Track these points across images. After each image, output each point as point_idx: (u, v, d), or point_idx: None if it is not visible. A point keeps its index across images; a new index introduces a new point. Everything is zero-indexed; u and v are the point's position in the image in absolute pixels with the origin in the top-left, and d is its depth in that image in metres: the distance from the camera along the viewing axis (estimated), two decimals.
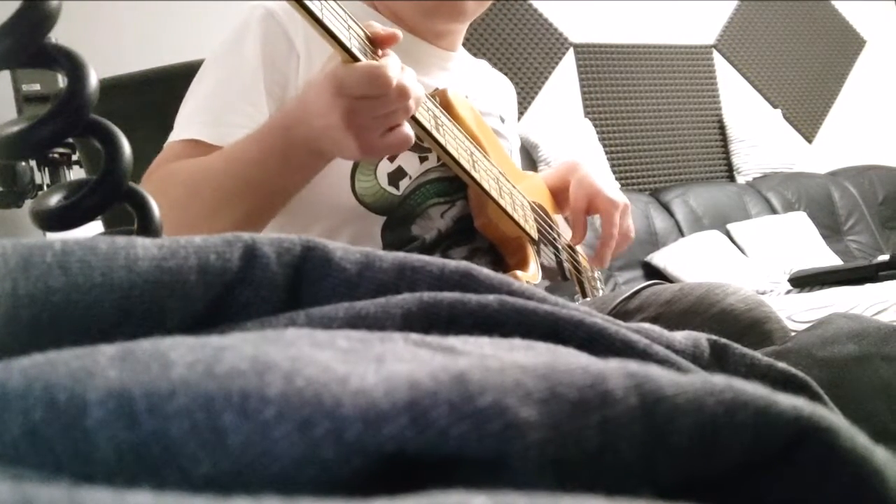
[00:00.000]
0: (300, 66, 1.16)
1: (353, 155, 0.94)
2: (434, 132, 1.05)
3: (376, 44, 0.93)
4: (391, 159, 1.18)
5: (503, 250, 1.26)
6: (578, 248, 1.46)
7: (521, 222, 1.23)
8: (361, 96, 0.89)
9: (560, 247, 1.39)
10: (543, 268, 1.29)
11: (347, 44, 0.87)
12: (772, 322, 1.04)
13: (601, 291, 1.52)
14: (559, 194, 1.48)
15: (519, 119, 4.15)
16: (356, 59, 0.88)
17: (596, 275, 1.53)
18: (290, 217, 1.15)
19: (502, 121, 1.42)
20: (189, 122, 1.13)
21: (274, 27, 1.16)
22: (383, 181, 1.17)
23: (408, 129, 0.95)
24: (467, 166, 1.12)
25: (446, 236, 1.22)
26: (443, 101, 1.16)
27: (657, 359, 0.41)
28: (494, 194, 1.17)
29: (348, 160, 0.98)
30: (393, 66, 0.89)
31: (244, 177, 1.00)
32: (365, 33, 0.92)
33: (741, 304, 1.05)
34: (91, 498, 0.20)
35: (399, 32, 0.95)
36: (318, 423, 0.23)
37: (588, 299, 1.39)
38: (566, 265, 1.38)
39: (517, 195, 1.26)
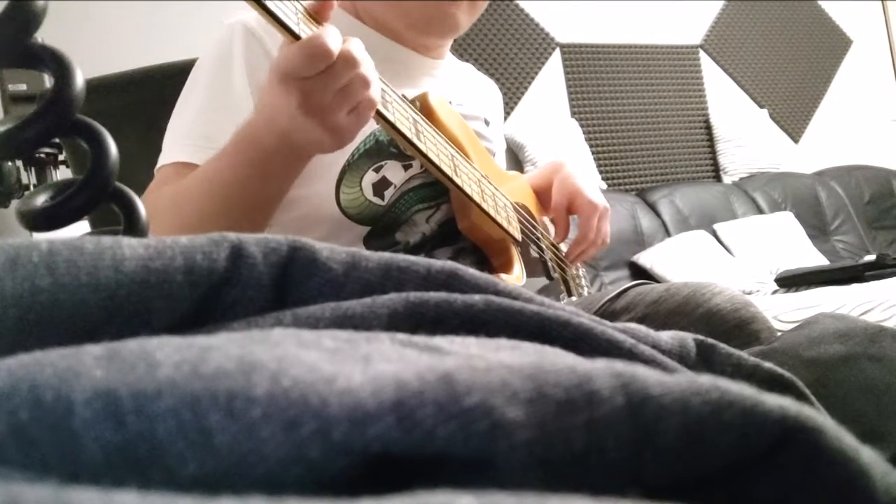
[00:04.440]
0: None
1: (325, 143, 0.90)
2: (414, 139, 1.03)
3: (316, 17, 0.87)
4: (376, 170, 1.17)
5: (487, 252, 1.27)
6: (563, 246, 1.46)
7: (504, 224, 1.23)
8: (307, 76, 0.83)
9: (544, 247, 1.39)
10: (528, 268, 1.30)
11: (285, 19, 0.81)
12: (758, 322, 1.04)
13: (587, 290, 1.52)
14: (543, 194, 1.48)
15: (505, 119, 4.15)
16: (298, 38, 0.83)
17: (581, 272, 1.53)
18: (276, 230, 1.14)
19: (487, 124, 1.42)
20: (178, 145, 1.11)
21: (253, 44, 1.14)
22: (368, 192, 1.17)
23: (374, 95, 0.89)
24: (448, 171, 1.11)
25: (430, 239, 1.22)
26: (423, 107, 1.15)
27: (643, 359, 0.41)
28: (477, 198, 1.17)
29: (325, 153, 0.93)
30: (330, 34, 0.83)
31: (222, 195, 0.97)
32: (306, 10, 0.86)
33: (727, 304, 1.06)
34: (78, 498, 0.20)
35: None
36: (304, 423, 0.23)
37: (574, 299, 1.39)
38: (550, 265, 1.38)
39: (500, 197, 1.26)
